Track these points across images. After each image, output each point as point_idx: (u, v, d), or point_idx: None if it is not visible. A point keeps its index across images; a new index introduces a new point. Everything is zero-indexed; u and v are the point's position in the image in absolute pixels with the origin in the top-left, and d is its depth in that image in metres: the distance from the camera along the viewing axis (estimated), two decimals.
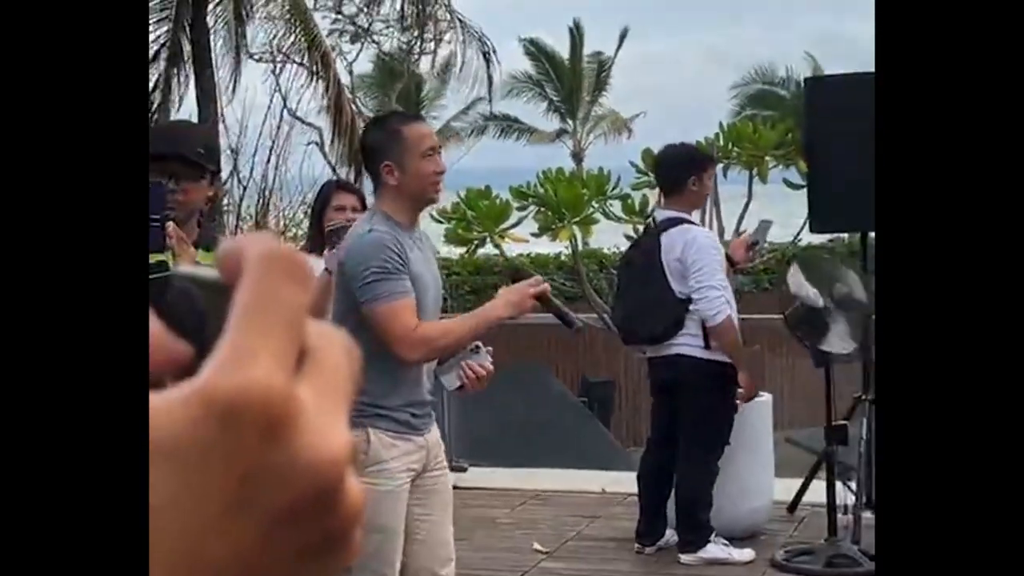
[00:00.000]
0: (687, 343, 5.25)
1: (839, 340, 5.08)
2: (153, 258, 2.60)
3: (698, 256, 5.20)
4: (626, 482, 5.99)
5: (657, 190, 6.28)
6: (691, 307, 5.23)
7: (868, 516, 5.34)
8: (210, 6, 13.37)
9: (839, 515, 5.28)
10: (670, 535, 5.45)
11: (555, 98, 32.34)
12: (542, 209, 7.20)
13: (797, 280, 5.16)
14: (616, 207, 7.17)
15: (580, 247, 8.28)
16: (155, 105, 13.23)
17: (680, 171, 5.46)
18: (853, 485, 5.47)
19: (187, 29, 13.06)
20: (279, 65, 14.22)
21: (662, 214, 5.52)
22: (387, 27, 15.16)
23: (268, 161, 13.88)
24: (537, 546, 5.54)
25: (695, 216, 5.63)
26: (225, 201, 12.32)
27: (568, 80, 32.06)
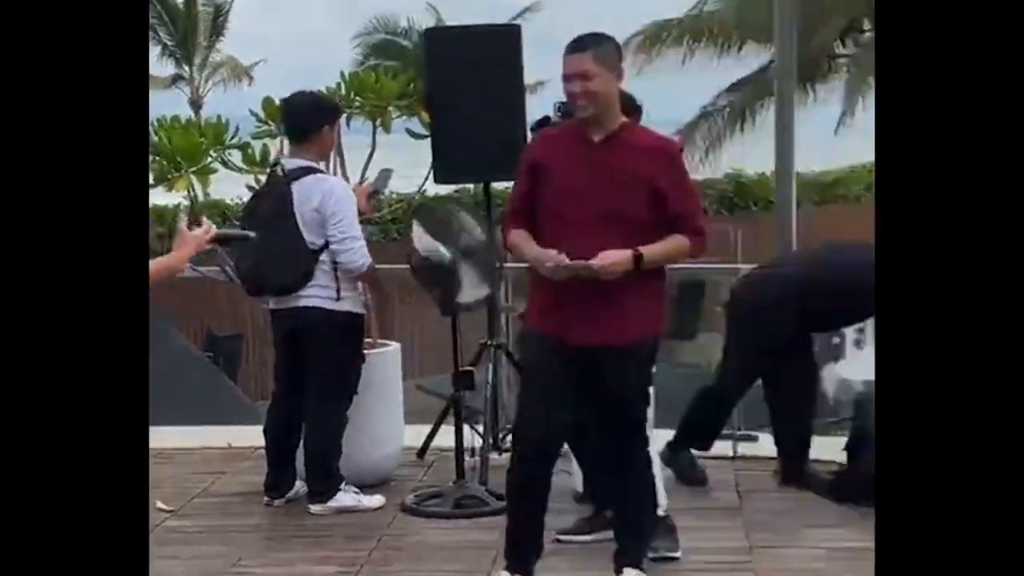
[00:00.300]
0: (316, 295, 5.24)
1: (471, 290, 5.21)
2: None
3: (338, 207, 5.19)
4: (253, 436, 5.93)
5: (279, 140, 6.20)
6: (322, 257, 5.21)
7: (495, 457, 5.54)
8: None
9: (467, 458, 5.45)
10: (300, 486, 5.45)
11: (169, 43, 31.24)
12: (157, 158, 6.95)
13: (420, 237, 5.23)
14: (236, 157, 7.02)
15: (200, 198, 8.07)
16: None
17: (310, 119, 5.41)
18: (480, 428, 5.66)
19: None
20: None
21: (291, 163, 5.45)
22: None
23: None
24: (160, 505, 5.41)
25: (322, 165, 5.61)
26: None
27: (183, 24, 31.04)
